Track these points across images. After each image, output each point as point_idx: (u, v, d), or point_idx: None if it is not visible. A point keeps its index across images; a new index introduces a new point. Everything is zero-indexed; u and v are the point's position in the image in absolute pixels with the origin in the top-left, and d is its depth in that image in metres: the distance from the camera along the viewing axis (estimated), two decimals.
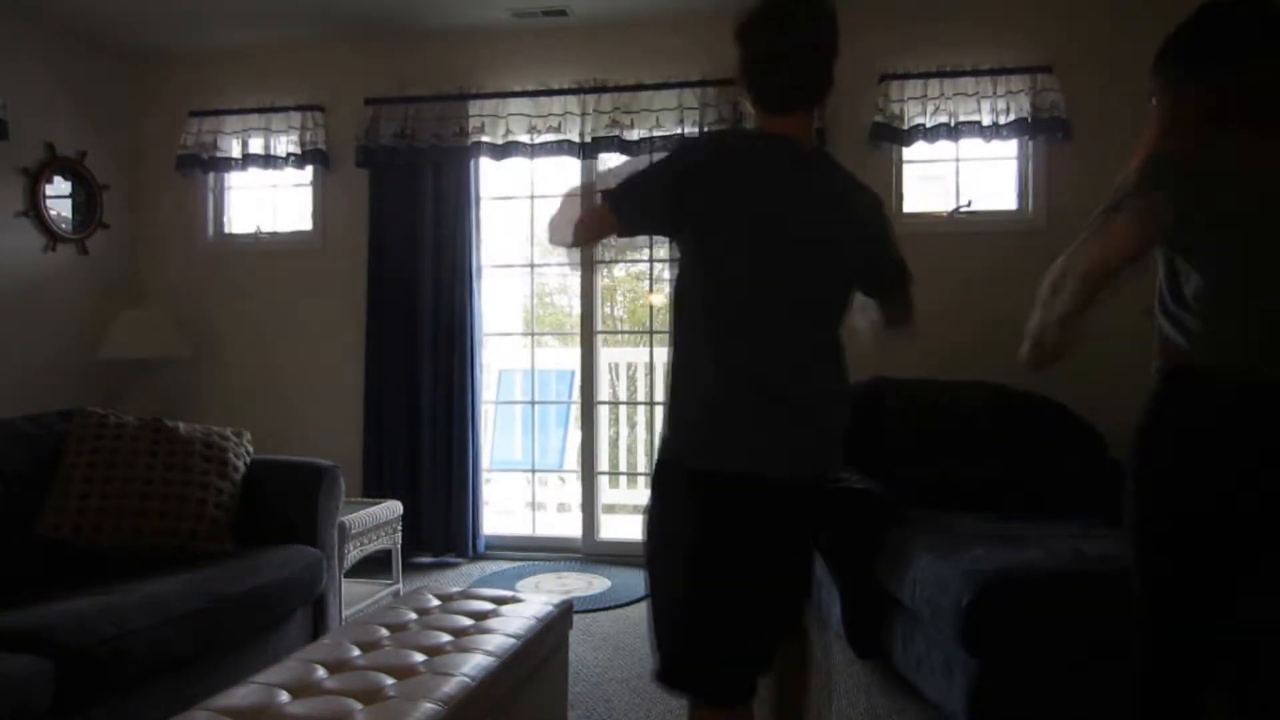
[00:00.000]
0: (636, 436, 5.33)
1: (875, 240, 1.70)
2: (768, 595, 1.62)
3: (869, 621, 2.84)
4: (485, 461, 4.54)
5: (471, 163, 4.34)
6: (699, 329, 1.59)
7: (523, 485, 5.42)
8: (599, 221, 1.65)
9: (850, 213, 1.65)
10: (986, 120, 3.86)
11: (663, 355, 4.86)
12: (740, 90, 1.65)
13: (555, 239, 1.76)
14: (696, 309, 1.60)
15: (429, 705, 1.66)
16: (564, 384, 5.84)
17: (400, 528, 3.77)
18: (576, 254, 1.67)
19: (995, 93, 3.87)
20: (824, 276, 1.62)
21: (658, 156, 1.64)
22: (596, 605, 3.63)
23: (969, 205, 4.03)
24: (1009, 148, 4.02)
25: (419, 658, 1.91)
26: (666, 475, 1.63)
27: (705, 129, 4.06)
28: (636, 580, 3.97)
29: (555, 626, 2.28)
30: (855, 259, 1.66)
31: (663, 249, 4.34)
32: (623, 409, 5.32)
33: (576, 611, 2.93)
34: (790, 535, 1.64)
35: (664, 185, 1.59)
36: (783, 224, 1.56)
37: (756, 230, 1.56)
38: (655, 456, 1.67)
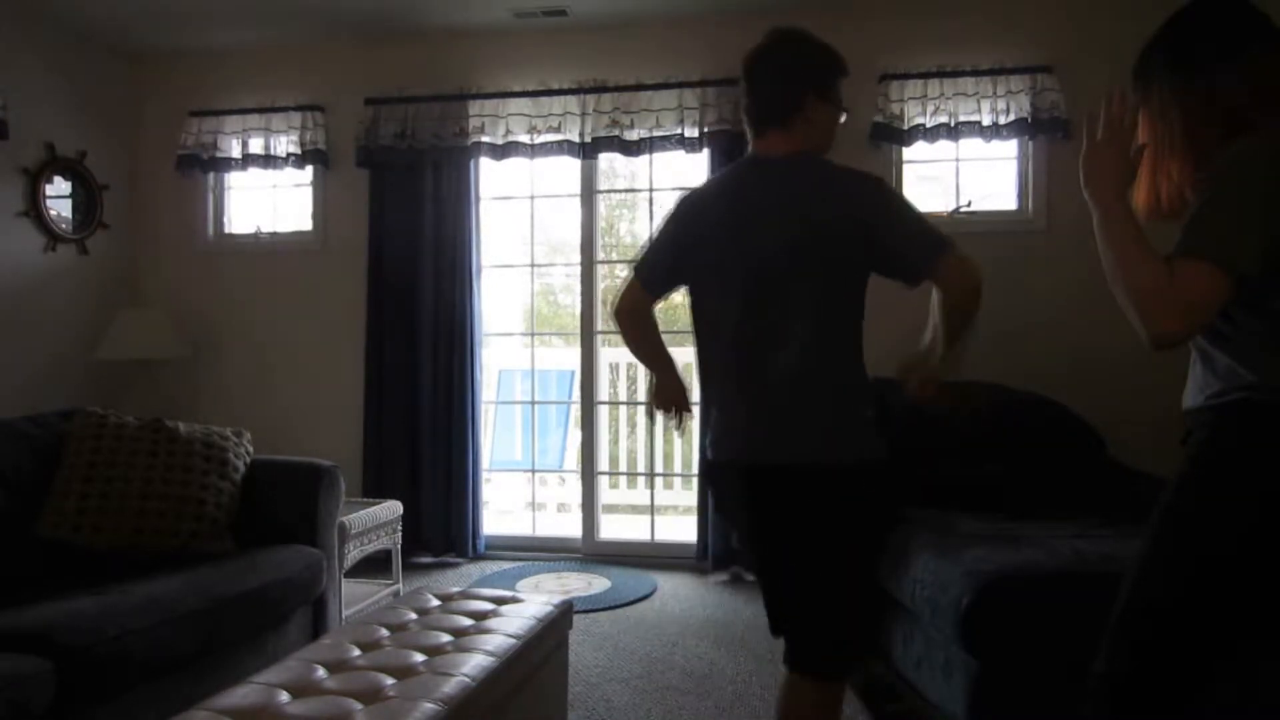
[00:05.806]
0: (636, 437, 5.33)
1: (869, 221, 1.69)
2: (760, 573, 1.85)
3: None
4: (485, 461, 4.53)
5: (471, 163, 4.34)
6: (696, 338, 1.87)
7: (523, 485, 5.42)
8: (629, 291, 1.91)
9: (830, 201, 1.71)
10: (986, 120, 3.86)
11: None
12: None
13: (629, 343, 1.99)
14: (694, 320, 1.86)
15: (429, 705, 1.66)
16: (564, 384, 5.84)
17: (400, 528, 3.77)
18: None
19: (995, 93, 3.87)
20: (789, 269, 1.70)
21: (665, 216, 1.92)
22: (596, 605, 3.63)
23: (969, 205, 4.03)
24: (1009, 148, 4.02)
25: (419, 658, 1.91)
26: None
27: (704, 130, 4.06)
28: (636, 580, 3.97)
29: (555, 626, 2.28)
30: (841, 244, 1.69)
31: None
32: (623, 409, 5.32)
33: (576, 611, 2.93)
34: (754, 517, 1.77)
35: (667, 237, 1.87)
36: (734, 227, 1.75)
37: (714, 237, 1.78)
38: None
